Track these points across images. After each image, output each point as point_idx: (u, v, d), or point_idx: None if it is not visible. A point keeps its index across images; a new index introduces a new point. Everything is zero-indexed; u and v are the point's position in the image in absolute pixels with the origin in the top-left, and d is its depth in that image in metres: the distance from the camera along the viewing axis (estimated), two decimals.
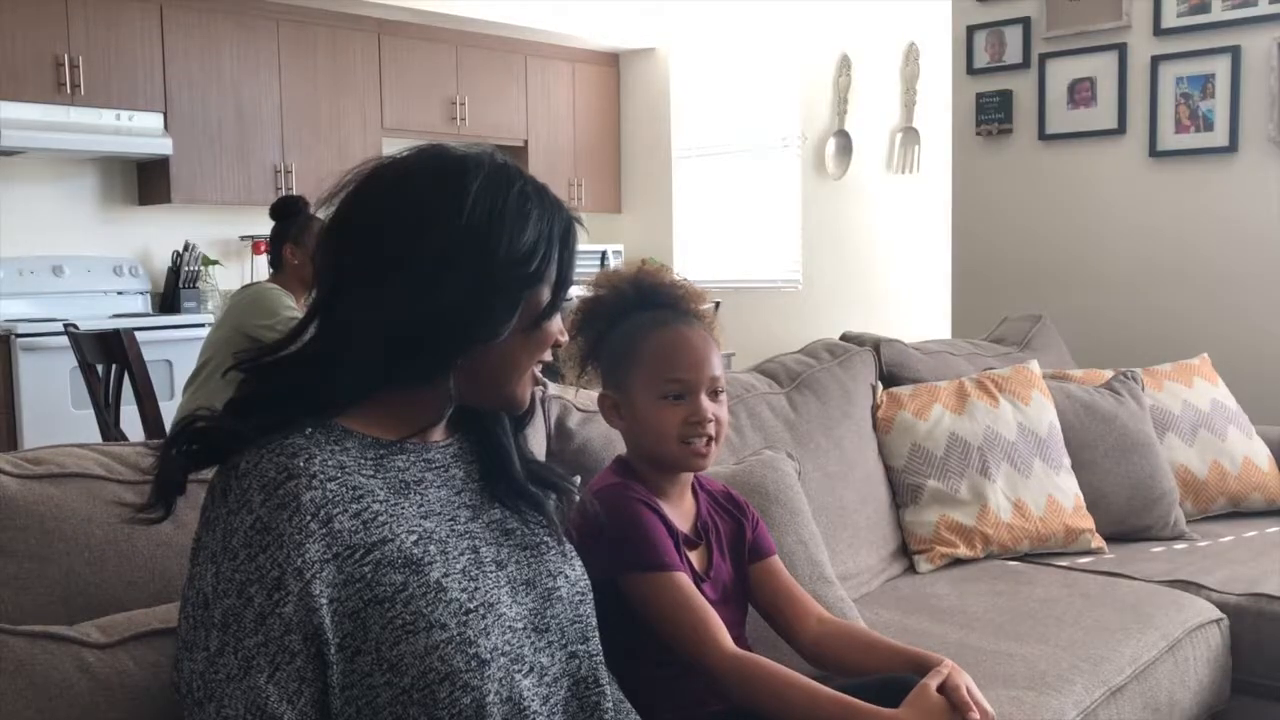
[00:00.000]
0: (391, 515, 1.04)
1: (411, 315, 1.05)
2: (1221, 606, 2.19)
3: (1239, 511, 2.76)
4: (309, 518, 0.98)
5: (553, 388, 1.87)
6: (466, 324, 1.07)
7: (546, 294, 1.12)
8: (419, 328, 1.05)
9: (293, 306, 3.30)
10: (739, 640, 1.43)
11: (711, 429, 1.46)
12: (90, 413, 3.44)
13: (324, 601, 0.97)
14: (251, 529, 0.97)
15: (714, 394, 1.48)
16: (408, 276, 1.05)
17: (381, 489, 1.05)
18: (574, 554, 1.21)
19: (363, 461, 1.06)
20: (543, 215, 1.12)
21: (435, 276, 1.05)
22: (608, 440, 1.81)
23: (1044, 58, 3.75)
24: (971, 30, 3.91)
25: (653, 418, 1.47)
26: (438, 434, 1.16)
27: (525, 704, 1.06)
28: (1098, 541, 2.48)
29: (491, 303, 1.07)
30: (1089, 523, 2.49)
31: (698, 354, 1.47)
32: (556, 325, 1.16)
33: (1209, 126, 3.46)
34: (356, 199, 1.10)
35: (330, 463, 1.02)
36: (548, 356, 1.17)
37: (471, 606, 1.04)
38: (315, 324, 1.10)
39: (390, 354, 1.05)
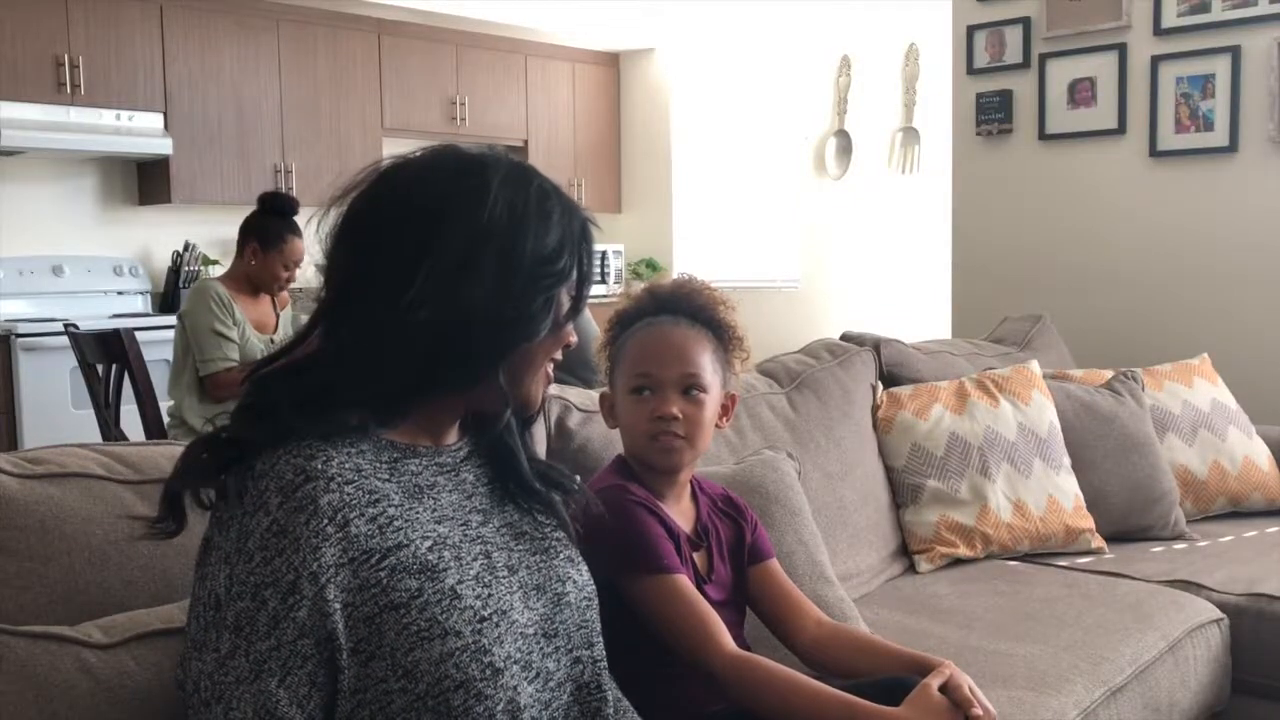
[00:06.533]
0: (407, 520, 1.03)
1: (446, 316, 1.03)
2: (1221, 606, 2.19)
3: (1239, 511, 2.76)
4: (325, 521, 0.96)
5: (552, 388, 1.87)
6: (507, 324, 1.06)
7: (568, 294, 1.13)
8: (456, 328, 1.03)
9: (220, 301, 3.23)
10: (738, 641, 1.43)
11: (677, 426, 1.45)
12: (90, 413, 3.44)
13: (338, 606, 0.96)
14: (268, 531, 0.95)
15: (686, 391, 1.46)
16: (434, 275, 1.03)
17: (396, 493, 1.04)
18: (580, 559, 1.21)
19: (378, 465, 1.04)
20: (563, 214, 1.11)
21: (460, 274, 1.03)
22: (608, 440, 1.81)
23: (1044, 58, 3.75)
24: (971, 30, 3.91)
25: (625, 412, 1.49)
26: (451, 436, 1.15)
27: (521, 713, 1.04)
28: (1098, 541, 2.48)
29: (527, 302, 1.07)
30: (1089, 523, 2.49)
31: (671, 350, 1.47)
32: (570, 325, 1.16)
33: (1209, 126, 3.46)
34: (374, 197, 1.08)
35: (347, 465, 1.01)
36: (558, 356, 1.18)
37: (485, 614, 1.03)
38: (322, 329, 1.06)
39: (431, 358, 1.04)
